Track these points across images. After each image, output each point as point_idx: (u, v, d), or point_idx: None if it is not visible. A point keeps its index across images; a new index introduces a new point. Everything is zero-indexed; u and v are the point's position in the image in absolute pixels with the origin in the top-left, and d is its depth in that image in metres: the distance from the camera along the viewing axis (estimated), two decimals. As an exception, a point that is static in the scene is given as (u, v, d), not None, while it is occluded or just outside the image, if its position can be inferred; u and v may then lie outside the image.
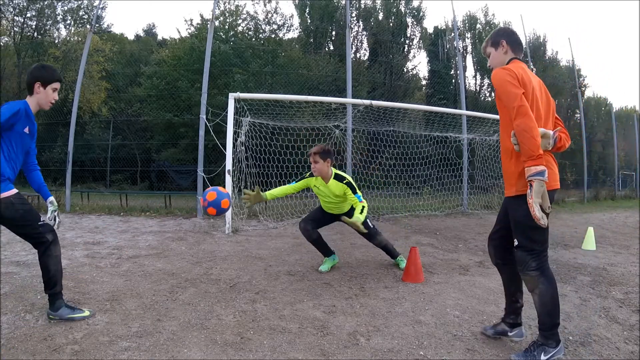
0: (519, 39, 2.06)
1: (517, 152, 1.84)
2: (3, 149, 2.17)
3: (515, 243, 1.92)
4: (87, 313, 2.35)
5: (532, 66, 13.92)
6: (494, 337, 2.15)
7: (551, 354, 1.85)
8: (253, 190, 3.27)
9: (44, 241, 2.27)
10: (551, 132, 1.89)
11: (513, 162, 1.91)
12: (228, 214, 5.42)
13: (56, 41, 15.80)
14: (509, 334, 2.09)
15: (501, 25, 18.83)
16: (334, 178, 3.32)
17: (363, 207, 3.12)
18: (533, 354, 1.86)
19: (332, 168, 3.37)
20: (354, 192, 3.24)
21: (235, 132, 5.91)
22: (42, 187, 2.51)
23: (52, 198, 2.53)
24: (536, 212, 1.72)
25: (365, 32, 17.36)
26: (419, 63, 27.31)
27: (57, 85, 2.34)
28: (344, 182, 3.26)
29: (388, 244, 3.66)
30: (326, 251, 3.59)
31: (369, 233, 3.40)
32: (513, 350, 2.00)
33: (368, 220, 3.44)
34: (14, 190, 2.21)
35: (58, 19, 16.37)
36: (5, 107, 2.14)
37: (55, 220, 2.47)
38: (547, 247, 1.92)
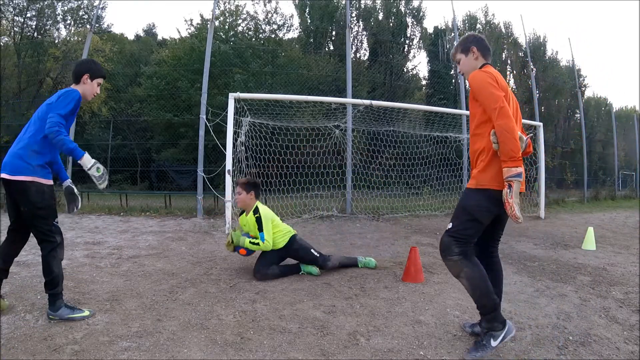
0: (488, 45, 2.12)
1: (487, 149, 1.91)
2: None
3: (449, 226, 1.97)
4: (86, 313, 2.34)
5: (532, 66, 13.89)
6: (470, 335, 2.16)
7: (501, 337, 1.87)
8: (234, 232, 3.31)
9: (52, 241, 2.29)
10: (524, 137, 1.95)
11: (482, 159, 1.95)
12: (228, 214, 5.43)
13: (56, 41, 15.79)
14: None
15: (501, 25, 18.89)
16: (253, 211, 3.31)
17: (258, 244, 3.18)
18: (482, 344, 1.87)
19: (258, 202, 3.39)
20: (260, 230, 3.21)
21: (235, 132, 5.91)
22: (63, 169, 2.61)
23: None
24: (517, 212, 1.76)
25: (365, 32, 17.35)
26: (419, 63, 27.31)
27: (101, 80, 2.52)
28: (255, 216, 3.27)
29: (343, 261, 3.54)
30: (296, 268, 3.40)
31: (318, 262, 3.34)
32: (513, 350, 2.00)
33: (313, 250, 3.37)
34: (50, 182, 2.31)
35: (58, 19, 16.36)
36: (69, 94, 2.29)
37: (79, 199, 2.53)
38: (474, 239, 1.95)
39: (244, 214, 3.46)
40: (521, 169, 1.78)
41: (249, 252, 3.31)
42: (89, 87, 2.47)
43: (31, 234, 2.38)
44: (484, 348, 1.87)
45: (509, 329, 1.90)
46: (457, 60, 2.18)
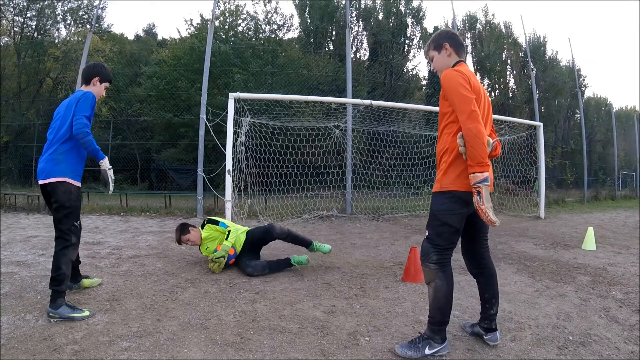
0: (462, 42, 2.06)
1: (450, 151, 1.87)
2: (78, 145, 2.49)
3: (426, 233, 1.96)
4: (86, 313, 2.35)
5: (532, 66, 13.89)
6: (471, 335, 2.17)
7: (436, 349, 1.89)
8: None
9: (67, 239, 2.43)
10: (491, 140, 1.90)
11: (445, 159, 1.92)
12: (228, 214, 5.42)
13: (56, 41, 15.80)
14: (484, 337, 2.09)
15: (501, 25, 18.89)
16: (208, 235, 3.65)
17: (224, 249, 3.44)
18: (418, 346, 1.90)
19: (200, 234, 3.65)
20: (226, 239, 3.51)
21: (235, 132, 5.91)
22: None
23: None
24: (491, 216, 1.74)
25: (365, 32, 17.34)
26: (419, 63, 27.21)
27: (108, 84, 2.78)
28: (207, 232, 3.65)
29: (295, 235, 3.65)
30: (286, 262, 3.51)
31: (270, 230, 3.54)
32: (513, 350, 2.00)
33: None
34: (78, 184, 2.55)
35: (58, 19, 16.37)
36: (87, 96, 2.49)
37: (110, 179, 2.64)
38: (454, 247, 1.94)
39: (202, 247, 3.67)
40: (488, 174, 1.74)
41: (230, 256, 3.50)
42: (98, 89, 2.68)
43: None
44: (417, 350, 1.89)
45: (445, 347, 1.92)
46: (430, 57, 2.12)
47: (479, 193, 1.74)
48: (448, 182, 1.87)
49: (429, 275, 1.91)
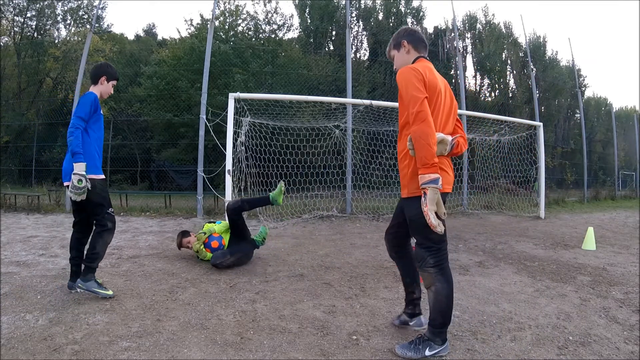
0: (421, 37, 2.03)
1: (409, 154, 1.84)
2: (92, 138, 2.66)
3: (414, 241, 1.96)
4: (110, 292, 2.65)
5: (532, 66, 13.89)
6: (400, 327, 2.23)
7: (436, 351, 1.88)
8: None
9: (103, 224, 2.67)
10: (450, 138, 1.87)
11: (406, 163, 1.91)
12: (228, 214, 5.42)
13: (56, 41, 15.80)
14: (410, 323, 2.16)
15: (501, 25, 18.88)
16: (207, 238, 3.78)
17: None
18: (418, 347, 1.88)
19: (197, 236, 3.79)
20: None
21: (235, 132, 5.91)
22: None
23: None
24: (432, 220, 1.72)
25: (365, 32, 17.36)
26: (419, 63, 27.27)
27: (115, 82, 2.90)
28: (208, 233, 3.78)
29: (253, 202, 3.94)
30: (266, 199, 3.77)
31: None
32: (513, 350, 2.00)
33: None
34: (101, 176, 2.70)
35: (58, 19, 16.38)
36: (85, 98, 2.63)
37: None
38: (446, 244, 1.92)
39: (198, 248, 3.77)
40: (436, 175, 1.71)
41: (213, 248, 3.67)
42: (105, 88, 2.84)
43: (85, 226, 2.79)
44: (418, 352, 1.87)
45: (445, 349, 1.91)
46: (391, 57, 2.11)
47: (424, 194, 1.73)
48: (414, 188, 1.86)
49: (429, 280, 1.89)
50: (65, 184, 2.64)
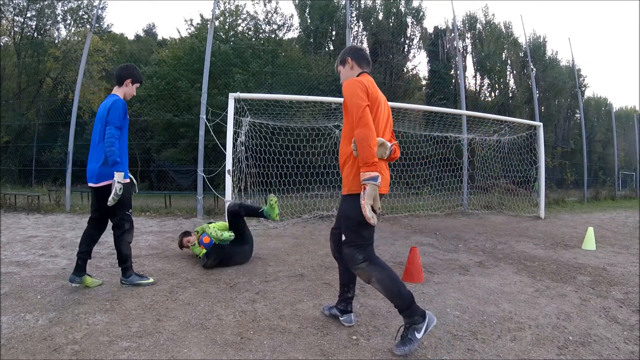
0: (364, 55, 2.25)
1: (352, 156, 2.01)
2: (122, 142, 2.81)
3: (343, 238, 2.06)
4: (152, 280, 2.96)
5: (532, 66, 13.89)
6: (329, 317, 2.35)
7: (424, 329, 1.94)
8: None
9: (121, 226, 2.84)
10: (389, 144, 2.06)
11: (349, 164, 2.06)
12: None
13: (56, 41, 15.79)
14: (340, 318, 2.26)
15: (501, 25, 18.89)
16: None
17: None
18: (409, 338, 1.94)
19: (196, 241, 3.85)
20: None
21: (235, 132, 5.91)
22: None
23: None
24: (367, 212, 1.88)
25: (365, 32, 17.34)
26: (419, 63, 27.28)
27: (139, 85, 3.03)
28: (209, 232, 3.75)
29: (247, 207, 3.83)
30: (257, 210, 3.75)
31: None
32: (513, 350, 2.00)
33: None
34: (128, 180, 2.85)
35: (58, 19, 16.37)
36: (116, 105, 2.74)
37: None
38: (373, 242, 2.07)
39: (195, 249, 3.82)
40: (376, 173, 1.87)
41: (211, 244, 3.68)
42: (130, 90, 2.95)
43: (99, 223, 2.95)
44: (411, 342, 1.93)
45: (430, 319, 1.97)
46: (338, 72, 2.35)
47: (364, 189, 1.89)
48: (355, 186, 2.00)
49: (365, 275, 2.00)
50: (92, 185, 2.81)
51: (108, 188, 2.73)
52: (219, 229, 3.71)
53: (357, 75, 2.17)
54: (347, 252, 2.03)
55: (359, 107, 1.92)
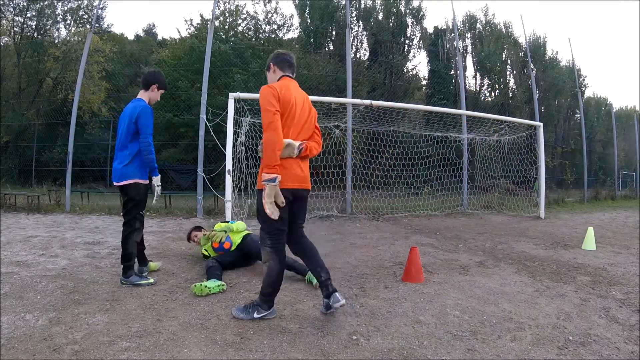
0: (285, 59, 2.40)
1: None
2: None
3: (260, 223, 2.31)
4: (151, 280, 2.96)
5: (532, 66, 13.89)
6: (327, 313, 2.40)
7: (263, 314, 2.31)
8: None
9: (131, 224, 2.95)
10: (297, 143, 2.24)
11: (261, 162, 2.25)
12: (228, 214, 5.43)
13: (56, 41, 15.79)
14: (330, 304, 2.33)
15: (501, 25, 18.90)
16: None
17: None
18: (249, 311, 2.32)
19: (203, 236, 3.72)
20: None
21: (235, 132, 5.90)
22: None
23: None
24: (267, 209, 2.12)
25: (365, 32, 17.35)
26: (419, 63, 27.29)
27: (164, 91, 3.16)
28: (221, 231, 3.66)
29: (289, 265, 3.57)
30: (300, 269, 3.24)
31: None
32: (513, 350, 2.00)
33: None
34: (146, 181, 3.02)
35: (58, 19, 16.37)
36: (146, 113, 2.90)
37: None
38: (281, 231, 2.29)
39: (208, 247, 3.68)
40: (274, 175, 2.09)
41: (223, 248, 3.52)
42: (154, 95, 3.07)
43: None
44: (248, 314, 2.31)
45: (271, 312, 2.33)
46: (266, 76, 2.50)
47: (264, 189, 2.11)
48: (261, 184, 2.18)
49: (266, 256, 2.28)
50: (115, 183, 2.99)
51: (128, 187, 2.92)
52: (238, 231, 3.57)
53: (279, 79, 2.36)
54: (261, 234, 2.30)
55: (268, 112, 2.13)
